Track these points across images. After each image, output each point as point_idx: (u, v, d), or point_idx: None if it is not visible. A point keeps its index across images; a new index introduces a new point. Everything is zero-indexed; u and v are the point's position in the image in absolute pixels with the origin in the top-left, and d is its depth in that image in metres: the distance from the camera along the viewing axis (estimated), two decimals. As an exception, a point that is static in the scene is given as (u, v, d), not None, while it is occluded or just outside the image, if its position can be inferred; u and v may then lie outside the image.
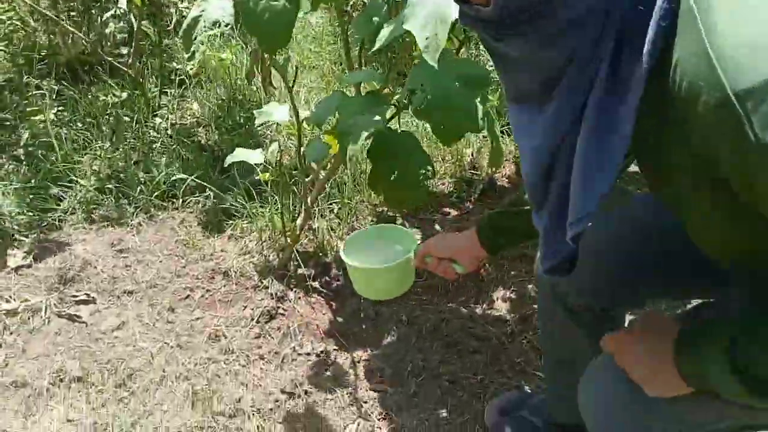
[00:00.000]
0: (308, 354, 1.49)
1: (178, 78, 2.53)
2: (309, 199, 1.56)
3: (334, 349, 1.51)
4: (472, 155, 2.18)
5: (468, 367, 1.47)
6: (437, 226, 1.90)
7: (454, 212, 1.97)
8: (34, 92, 2.26)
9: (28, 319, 1.48)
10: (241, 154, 1.56)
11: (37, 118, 2.13)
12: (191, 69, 1.94)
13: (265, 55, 1.77)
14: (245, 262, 1.72)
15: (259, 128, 2.29)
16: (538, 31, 0.56)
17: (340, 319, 1.60)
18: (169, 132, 2.20)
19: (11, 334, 1.45)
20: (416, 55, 1.62)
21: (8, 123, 2.16)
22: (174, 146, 2.12)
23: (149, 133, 2.19)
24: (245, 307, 1.60)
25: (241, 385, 1.38)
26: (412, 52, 1.37)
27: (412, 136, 1.17)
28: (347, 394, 1.39)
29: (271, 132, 2.31)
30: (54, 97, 2.34)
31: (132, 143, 2.13)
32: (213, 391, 1.35)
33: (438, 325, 1.58)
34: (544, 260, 0.71)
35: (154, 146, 2.13)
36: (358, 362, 1.47)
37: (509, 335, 1.54)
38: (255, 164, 1.69)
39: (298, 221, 1.58)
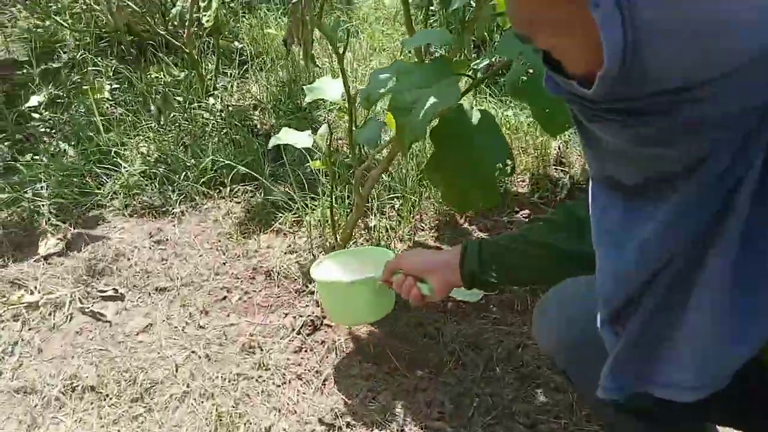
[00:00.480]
0: (354, 376, 1.26)
1: (239, 59, 2.36)
2: (362, 192, 1.32)
3: (386, 373, 1.27)
4: (559, 148, 1.88)
5: (548, 409, 1.19)
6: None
7: (533, 215, 1.68)
8: (90, 69, 2.15)
9: (49, 314, 1.34)
10: (287, 136, 1.36)
11: (90, 97, 2.01)
12: (207, 21, 1.75)
13: (306, 17, 1.53)
14: (291, 261, 1.52)
15: (318, 112, 2.08)
16: (652, 124, 0.46)
17: (394, 337, 1.36)
18: (222, 114, 2.03)
19: (30, 330, 1.31)
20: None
21: (61, 101, 2.05)
22: (226, 130, 1.94)
23: (202, 115, 2.02)
24: (286, 314, 1.39)
25: (273, 410, 1.17)
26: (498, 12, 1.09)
27: (489, 117, 0.89)
28: (397, 430, 1.15)
29: (332, 116, 2.10)
30: (111, 76, 2.22)
31: (183, 125, 1.98)
32: (240, 415, 1.15)
33: (512, 351, 1.31)
34: (605, 389, 0.61)
35: (205, 129, 1.97)
36: (413, 391, 1.23)
37: (601, 371, 1.25)
38: (303, 149, 1.47)
39: (350, 218, 1.35)
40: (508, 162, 0.84)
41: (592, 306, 0.65)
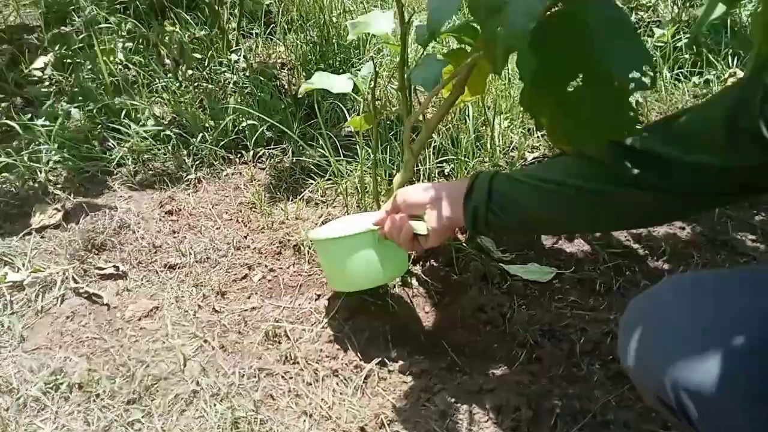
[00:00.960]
0: (403, 373, 1.01)
1: (264, 18, 2.11)
2: (414, 147, 1.06)
3: (442, 369, 1.01)
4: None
5: (653, 416, 0.92)
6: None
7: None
8: (103, 26, 1.93)
9: (37, 296, 1.12)
10: (321, 80, 1.11)
11: (101, 57, 1.79)
12: None
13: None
14: (324, 234, 1.27)
15: (357, 69, 1.82)
16: None
17: (450, 324, 1.10)
18: (246, 73, 1.79)
19: (12, 314, 1.09)
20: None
21: (70, 61, 1.84)
22: (249, 88, 1.70)
23: (224, 74, 1.79)
24: (319, 296, 1.14)
25: (303, 415, 0.93)
26: None
27: (617, 12, 0.61)
28: (460, 443, 0.90)
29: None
30: (125, 35, 2.00)
31: (202, 85, 1.74)
32: (261, 421, 0.91)
33: (600, 342, 1.04)
34: None
35: (227, 89, 1.73)
36: (477, 392, 0.97)
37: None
38: (340, 108, 1.22)
39: (396, 179, 1.09)
40: (647, 70, 0.56)
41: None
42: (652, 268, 1.20)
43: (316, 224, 1.31)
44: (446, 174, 1.43)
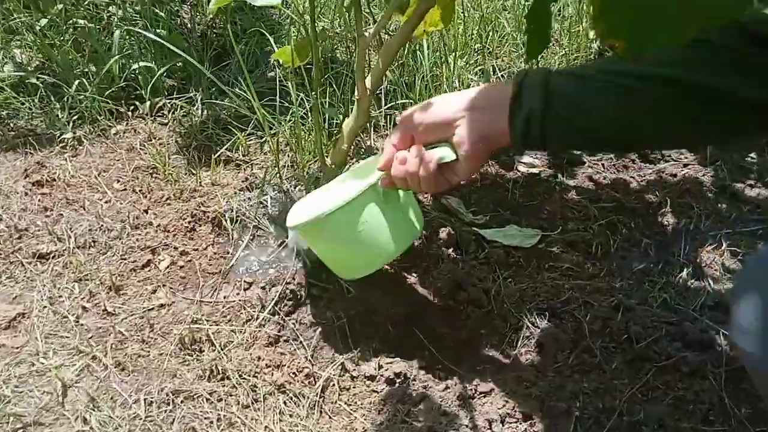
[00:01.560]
0: (371, 379, 0.76)
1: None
2: (371, 79, 0.80)
3: (420, 367, 0.78)
4: None
5: (691, 408, 0.74)
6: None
7: None
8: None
9: None
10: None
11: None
12: None
13: None
14: (250, 201, 0.99)
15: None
16: None
17: (421, 308, 0.87)
18: (137, 8, 1.43)
19: None
20: None
21: None
22: (141, 24, 1.35)
23: (107, 9, 1.42)
24: (250, 283, 0.87)
25: (241, 453, 0.67)
26: None
27: None
28: (459, 470, 0.67)
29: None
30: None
31: (79, 24, 1.37)
32: (181, 470, 0.64)
33: (609, 317, 0.84)
34: None
35: (110, 26, 1.37)
36: (473, 398, 0.75)
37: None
38: (269, 35, 0.95)
39: (347, 125, 0.83)
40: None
41: None
42: (651, 222, 1.02)
43: (241, 190, 1.02)
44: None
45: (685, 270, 0.92)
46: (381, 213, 0.72)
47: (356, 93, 0.82)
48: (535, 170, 1.13)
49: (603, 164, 1.15)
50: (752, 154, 1.17)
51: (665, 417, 0.73)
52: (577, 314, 0.85)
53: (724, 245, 0.96)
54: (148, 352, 0.77)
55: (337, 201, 0.70)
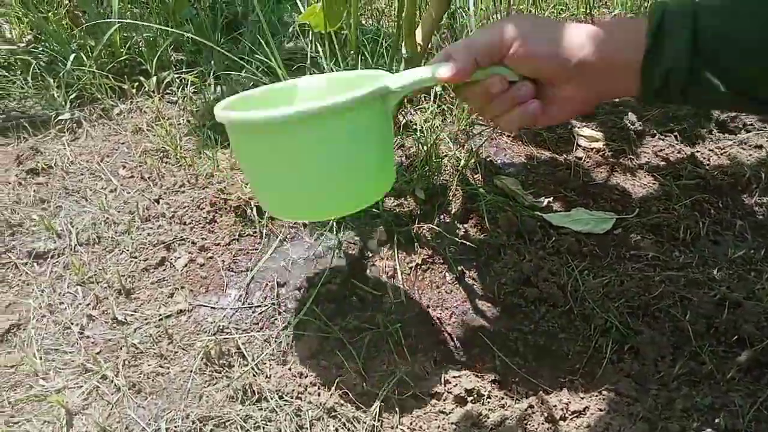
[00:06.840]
0: (437, 396, 0.63)
1: None
2: (417, 42, 0.66)
3: (492, 381, 0.65)
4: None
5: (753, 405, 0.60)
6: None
7: None
8: None
9: None
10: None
11: None
12: None
13: None
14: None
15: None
16: None
17: (487, 306, 0.73)
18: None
19: None
20: None
21: None
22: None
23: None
24: (283, 285, 0.73)
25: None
26: None
27: None
28: None
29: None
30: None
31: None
32: None
33: (713, 315, 0.71)
34: None
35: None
36: (564, 418, 0.61)
37: None
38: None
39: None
40: None
41: None
42: (741, 201, 0.88)
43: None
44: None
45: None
46: (380, 137, 0.52)
47: (404, 50, 0.68)
48: (598, 144, 0.99)
49: (675, 135, 1.01)
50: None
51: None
52: (674, 312, 0.71)
53: (833, 226, 0.82)
54: (168, 369, 0.64)
55: (328, 101, 0.46)
